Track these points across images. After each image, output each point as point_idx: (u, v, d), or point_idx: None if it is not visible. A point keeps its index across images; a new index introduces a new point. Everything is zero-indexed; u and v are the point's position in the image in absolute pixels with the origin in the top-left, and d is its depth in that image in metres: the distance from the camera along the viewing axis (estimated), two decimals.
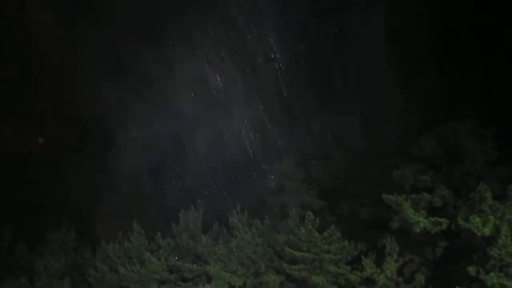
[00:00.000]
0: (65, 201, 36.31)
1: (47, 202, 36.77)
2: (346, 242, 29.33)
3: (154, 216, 33.76)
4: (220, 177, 33.35)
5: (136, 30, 35.70)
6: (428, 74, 32.19)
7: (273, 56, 33.77)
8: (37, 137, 38.60)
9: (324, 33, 33.20)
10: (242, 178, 33.31)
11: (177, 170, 33.82)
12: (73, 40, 36.85)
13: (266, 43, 33.23)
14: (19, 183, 36.72)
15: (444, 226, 27.68)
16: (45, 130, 38.28)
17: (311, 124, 33.96)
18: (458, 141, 29.77)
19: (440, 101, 31.22)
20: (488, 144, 29.65)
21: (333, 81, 33.59)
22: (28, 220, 36.33)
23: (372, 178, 31.38)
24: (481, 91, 30.88)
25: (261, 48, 33.92)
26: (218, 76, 34.23)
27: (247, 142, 33.40)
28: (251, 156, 33.52)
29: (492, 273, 25.80)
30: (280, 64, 33.67)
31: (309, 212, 30.03)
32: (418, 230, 27.72)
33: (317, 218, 29.72)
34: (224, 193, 32.81)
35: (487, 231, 26.37)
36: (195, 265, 31.36)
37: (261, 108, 33.42)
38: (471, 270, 26.41)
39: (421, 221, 27.67)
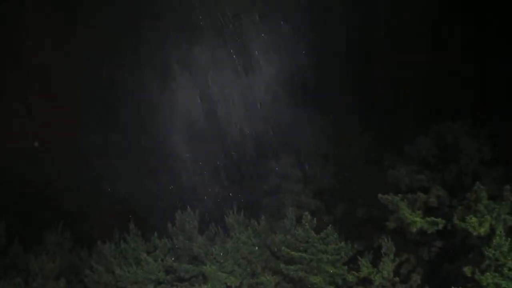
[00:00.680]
0: (61, 201, 36.19)
1: (43, 202, 36.66)
2: (343, 243, 29.43)
3: (150, 217, 33.67)
4: (216, 177, 33.34)
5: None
6: (423, 73, 32.21)
7: (269, 56, 33.74)
8: (33, 136, 38.36)
9: (319, 32, 33.12)
10: (238, 178, 33.32)
11: (173, 170, 33.71)
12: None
13: (263, 43, 33.18)
14: (14, 183, 36.56)
15: (440, 226, 27.77)
16: (40, 129, 38.06)
17: (308, 124, 33.92)
18: (454, 141, 29.88)
19: (435, 100, 31.30)
20: (483, 143, 29.77)
21: (329, 81, 33.57)
22: (23, 220, 36.20)
23: (368, 178, 31.46)
24: (476, 90, 30.96)
25: (257, 48, 33.88)
26: (214, 76, 34.19)
27: (243, 142, 33.37)
28: (247, 156, 33.52)
29: (488, 273, 25.94)
30: (276, 64, 33.67)
31: (306, 212, 30.12)
32: (414, 230, 27.81)
33: (314, 218, 29.82)
34: (221, 193, 32.79)
35: (483, 231, 26.51)
36: (191, 266, 31.36)
37: (258, 108, 33.39)
38: (467, 270, 26.56)
39: (417, 221, 27.76)
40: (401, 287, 28.67)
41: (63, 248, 35.49)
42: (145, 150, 35.62)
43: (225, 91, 33.86)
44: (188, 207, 32.61)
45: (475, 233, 26.67)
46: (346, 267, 29.30)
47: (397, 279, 28.63)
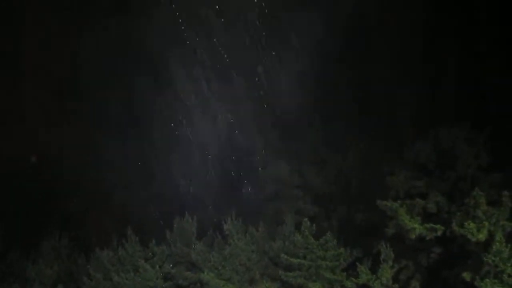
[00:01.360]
0: (59, 207, 36.09)
1: (40, 208, 36.53)
2: (342, 249, 29.35)
3: (148, 223, 33.59)
4: (215, 184, 33.28)
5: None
6: (422, 79, 32.23)
7: (266, 61, 33.75)
8: (30, 142, 38.22)
9: (317, 37, 33.09)
10: (236, 185, 33.27)
11: (172, 176, 33.64)
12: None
13: (262, 49, 33.20)
14: (12, 189, 36.43)
15: (439, 232, 27.69)
16: (37, 135, 37.95)
17: (306, 130, 33.92)
18: (451, 146, 29.86)
19: (433, 105, 31.31)
20: (480, 149, 29.73)
21: (328, 86, 33.53)
22: (20, 227, 36.07)
23: (367, 184, 31.41)
24: (474, 95, 30.96)
25: (254, 52, 33.88)
26: (212, 81, 34.17)
27: (242, 148, 33.34)
28: (246, 162, 33.48)
29: (487, 279, 25.84)
30: (273, 70, 33.68)
31: (306, 219, 30.02)
32: (413, 236, 27.74)
33: (313, 225, 29.75)
34: (219, 200, 32.72)
35: (482, 237, 26.43)
36: (189, 273, 31.25)
37: (256, 114, 33.37)
38: (466, 276, 26.47)
39: (416, 227, 27.65)
40: None
41: (60, 255, 35.42)
42: (144, 156, 35.56)
43: (223, 97, 33.86)
44: (187, 213, 32.54)
45: (473, 239, 26.57)
46: (345, 274, 29.16)
47: (396, 285, 28.53)
